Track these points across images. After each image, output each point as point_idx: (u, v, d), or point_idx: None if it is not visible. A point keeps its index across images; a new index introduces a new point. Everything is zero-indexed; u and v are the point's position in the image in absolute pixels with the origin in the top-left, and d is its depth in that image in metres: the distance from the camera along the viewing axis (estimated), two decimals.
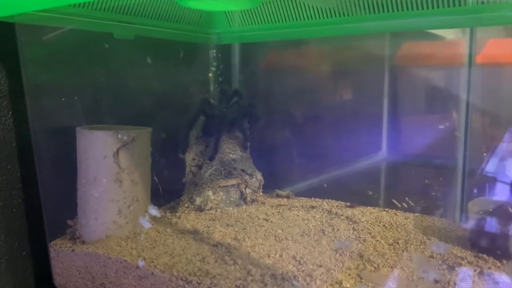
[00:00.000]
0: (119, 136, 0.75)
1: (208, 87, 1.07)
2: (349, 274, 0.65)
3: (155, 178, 0.86)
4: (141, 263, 0.68)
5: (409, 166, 0.95)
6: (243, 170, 0.94)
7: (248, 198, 0.94)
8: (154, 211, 0.80)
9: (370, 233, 0.78)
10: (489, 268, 0.65)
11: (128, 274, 0.69)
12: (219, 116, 0.94)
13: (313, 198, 1.00)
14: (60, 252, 0.76)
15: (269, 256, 0.69)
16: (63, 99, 0.80)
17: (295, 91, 1.05)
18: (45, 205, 0.78)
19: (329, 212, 0.89)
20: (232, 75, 1.10)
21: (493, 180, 0.84)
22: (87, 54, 0.83)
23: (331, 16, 0.84)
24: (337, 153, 0.99)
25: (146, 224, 0.79)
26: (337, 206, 0.93)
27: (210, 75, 1.06)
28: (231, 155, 0.95)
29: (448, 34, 0.89)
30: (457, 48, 0.87)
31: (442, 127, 0.90)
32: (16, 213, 0.78)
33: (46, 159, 0.78)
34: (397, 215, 0.88)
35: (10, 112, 0.76)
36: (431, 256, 0.69)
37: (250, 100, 0.98)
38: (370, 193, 0.95)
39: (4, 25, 0.71)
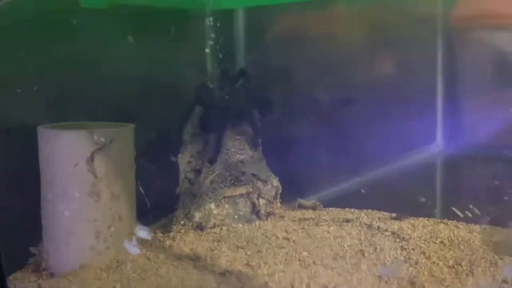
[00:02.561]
0: (95, 136, 0.76)
1: (205, 68, 1.08)
2: None
3: (141, 189, 0.88)
4: None
5: (473, 162, 0.96)
6: (254, 175, 0.95)
7: (262, 211, 0.95)
8: (142, 232, 0.82)
9: (424, 253, 0.78)
10: None
11: None
12: (220, 105, 0.95)
13: (347, 208, 1.00)
14: None
15: (293, 287, 0.69)
16: (18, 90, 0.81)
17: (320, 68, 1.05)
18: (0, 228, 0.79)
19: (369, 226, 0.89)
20: (236, 50, 1.11)
21: None
22: (48, 30, 0.84)
23: None
24: (377, 147, 1.00)
25: (133, 249, 0.80)
26: (379, 218, 0.94)
27: (207, 51, 1.07)
28: (238, 156, 0.96)
29: None
30: None
31: None
32: None
33: None
34: (458, 228, 0.88)
35: None
36: (505, 281, 0.69)
37: (261, 83, 0.99)
38: (423, 199, 0.96)
39: None
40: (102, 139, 0.76)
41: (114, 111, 0.91)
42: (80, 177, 0.76)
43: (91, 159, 0.76)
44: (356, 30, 1.03)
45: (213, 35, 1.06)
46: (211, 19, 1.05)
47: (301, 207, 1.02)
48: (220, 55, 1.07)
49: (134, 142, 0.83)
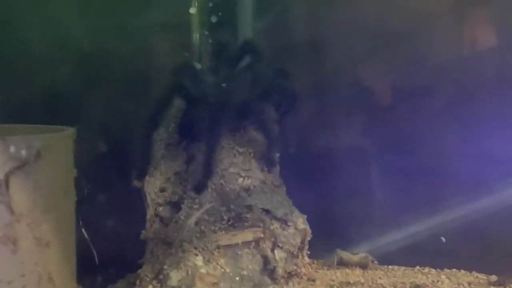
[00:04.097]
0: (11, 148, 0.75)
1: (189, 38, 1.09)
2: None
3: (84, 231, 0.88)
4: None
5: None
6: (266, 212, 0.95)
7: (280, 270, 0.94)
8: None
9: None
10: None
11: None
12: (213, 98, 0.94)
13: (418, 267, 1.00)
14: None
15: None
16: None
17: (375, 40, 1.06)
18: None
19: None
20: (237, 10, 1.11)
21: None
22: None
23: None
24: (468, 169, 1.00)
25: None
26: (469, 283, 0.93)
27: (192, 11, 1.08)
28: (241, 181, 0.95)
29: None
30: None
31: None
32: None
33: None
34: None
35: None
36: None
37: (279, 63, 0.99)
38: None
39: None
40: (23, 152, 0.75)
41: (42, 107, 0.92)
42: None
43: (5, 184, 0.74)
44: None
45: None
46: None
47: (343, 263, 1.01)
48: (214, 18, 1.08)
49: (74, 157, 0.83)
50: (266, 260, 0.94)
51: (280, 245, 0.95)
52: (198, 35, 1.09)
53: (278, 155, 0.99)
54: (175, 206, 0.95)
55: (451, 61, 1.03)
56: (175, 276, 0.90)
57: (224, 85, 0.95)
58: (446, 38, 1.04)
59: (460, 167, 1.01)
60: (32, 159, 0.76)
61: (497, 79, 1.00)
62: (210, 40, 1.07)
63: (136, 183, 0.96)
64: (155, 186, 0.95)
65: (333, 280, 0.95)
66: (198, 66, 1.00)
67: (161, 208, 0.95)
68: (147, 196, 0.95)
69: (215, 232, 0.92)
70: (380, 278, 0.96)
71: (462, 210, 1.01)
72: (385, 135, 1.07)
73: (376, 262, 1.02)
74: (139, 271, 0.93)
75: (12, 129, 0.80)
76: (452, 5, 1.04)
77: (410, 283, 0.93)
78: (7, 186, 0.75)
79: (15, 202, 0.75)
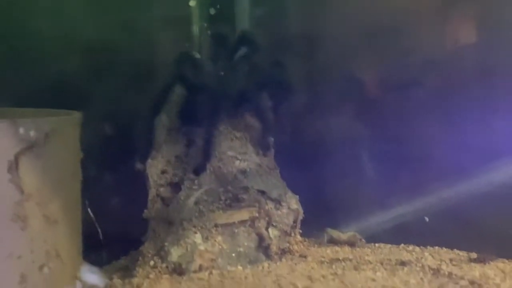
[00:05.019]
0: (20, 130, 0.76)
1: (189, 30, 1.10)
2: None
3: (89, 210, 0.90)
4: None
5: None
6: (262, 193, 0.97)
7: (274, 248, 0.97)
8: (91, 276, 0.82)
9: None
10: None
11: None
12: (212, 86, 0.97)
13: (402, 244, 1.02)
14: None
15: None
16: None
17: (365, 34, 1.06)
18: None
19: (436, 272, 0.89)
20: (236, 2, 1.12)
21: None
22: None
23: None
24: (450, 155, 1.01)
25: None
26: (451, 260, 0.94)
27: (192, 3, 1.09)
28: (237, 163, 0.98)
29: None
30: None
31: None
32: None
33: None
34: None
35: None
36: None
37: (275, 54, 1.01)
38: None
39: None
40: (32, 134, 0.76)
41: (51, 92, 0.92)
42: None
43: (15, 164, 0.75)
44: None
45: None
46: None
47: (332, 241, 1.03)
48: (212, 10, 1.08)
49: (80, 140, 0.83)
50: (261, 238, 0.96)
51: (274, 224, 0.97)
52: (198, 27, 1.10)
53: (272, 140, 1.01)
54: (176, 187, 0.97)
55: (435, 55, 1.04)
56: (175, 253, 0.92)
57: (222, 74, 0.97)
58: (431, 33, 1.05)
59: (443, 154, 1.02)
60: (41, 141, 0.77)
61: (479, 73, 1.01)
62: (209, 32, 1.09)
63: (139, 165, 0.97)
64: (157, 169, 0.97)
65: (323, 257, 0.98)
66: (198, 56, 1.02)
67: (162, 189, 0.97)
68: (150, 178, 0.97)
69: (213, 211, 0.94)
70: (367, 255, 0.98)
71: (445, 193, 1.02)
72: (374, 123, 1.08)
73: (363, 240, 1.04)
74: (142, 248, 0.95)
75: (22, 112, 0.82)
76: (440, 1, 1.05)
77: (396, 259, 0.95)
78: (17, 167, 0.75)
79: (24, 182, 0.76)
